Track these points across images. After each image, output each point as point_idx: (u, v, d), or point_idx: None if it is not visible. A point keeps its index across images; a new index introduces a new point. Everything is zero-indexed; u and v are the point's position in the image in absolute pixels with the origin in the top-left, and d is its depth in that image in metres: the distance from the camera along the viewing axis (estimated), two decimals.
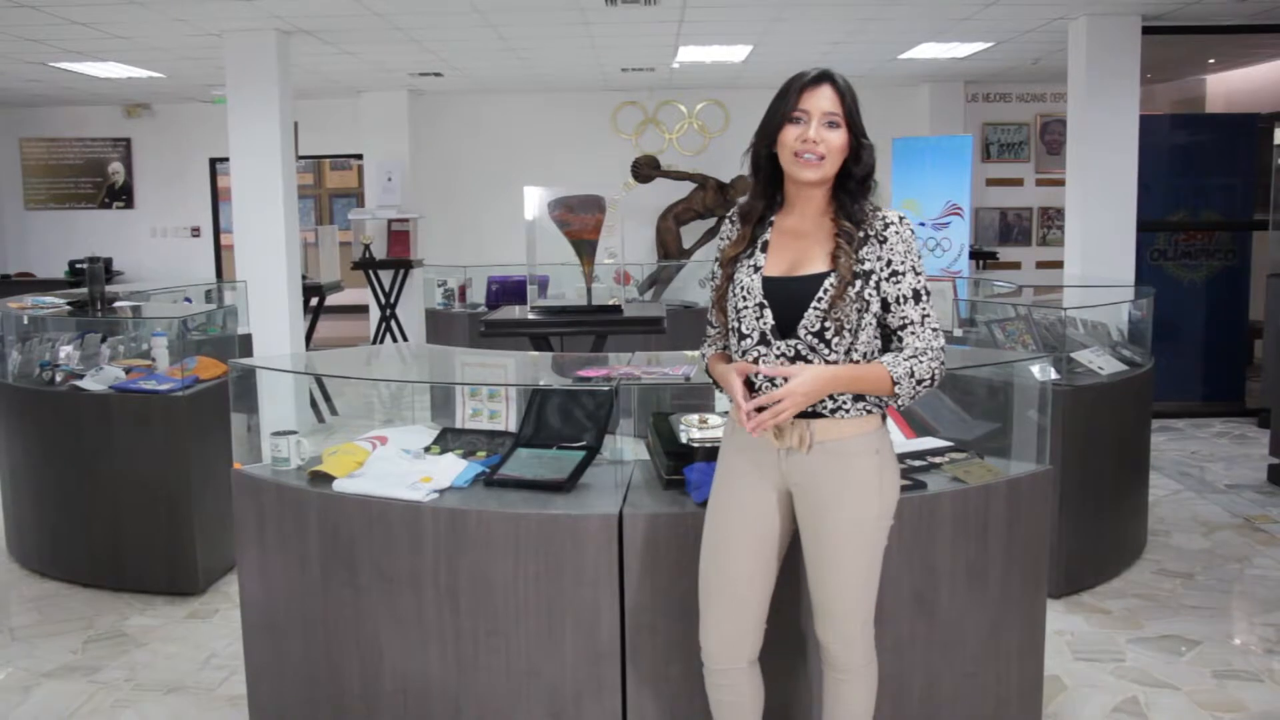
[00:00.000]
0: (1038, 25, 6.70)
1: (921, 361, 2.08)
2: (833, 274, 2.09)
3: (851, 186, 2.14)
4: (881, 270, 2.10)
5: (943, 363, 2.11)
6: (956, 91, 9.76)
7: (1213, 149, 7.66)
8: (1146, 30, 6.32)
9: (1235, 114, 8.67)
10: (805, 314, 2.09)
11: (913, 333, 2.11)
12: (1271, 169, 7.23)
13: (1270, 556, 4.44)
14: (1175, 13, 6.17)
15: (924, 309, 2.11)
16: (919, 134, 9.41)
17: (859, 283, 2.08)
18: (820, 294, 2.08)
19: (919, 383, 2.08)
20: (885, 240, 2.11)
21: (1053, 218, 9.95)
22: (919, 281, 2.11)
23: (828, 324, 2.08)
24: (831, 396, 2.10)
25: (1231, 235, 7.50)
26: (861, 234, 2.10)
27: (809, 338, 2.09)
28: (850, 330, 2.08)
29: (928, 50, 7.72)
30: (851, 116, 2.10)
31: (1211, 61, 8.69)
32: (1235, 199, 7.56)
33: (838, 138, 2.09)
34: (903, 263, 2.10)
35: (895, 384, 2.07)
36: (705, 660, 2.29)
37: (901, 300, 2.10)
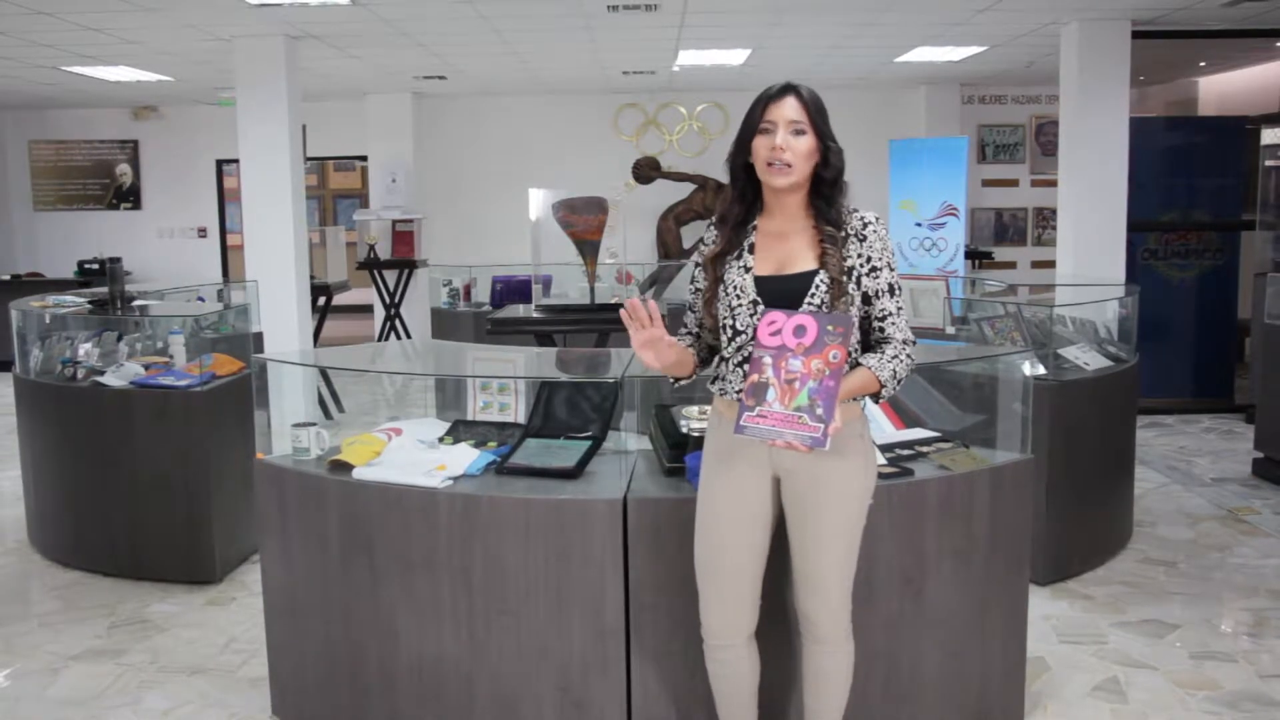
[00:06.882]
0: (1030, 30, 6.84)
1: (901, 360, 2.26)
2: (821, 270, 2.24)
3: (824, 190, 2.29)
4: (862, 266, 2.26)
5: (911, 355, 2.29)
6: (952, 94, 9.88)
7: (1203, 150, 7.78)
8: (1136, 35, 6.45)
9: (1224, 116, 8.80)
10: (798, 310, 2.23)
11: (892, 323, 2.29)
12: (1259, 170, 7.39)
13: (1251, 546, 4.59)
14: (1164, 17, 6.30)
15: (898, 301, 2.30)
16: (916, 135, 9.53)
17: (844, 278, 2.23)
18: (812, 290, 2.23)
19: (899, 380, 2.27)
20: (865, 239, 2.27)
21: (1047, 218, 10.09)
22: (893, 276, 2.30)
23: None
24: None
25: (1221, 235, 7.61)
26: (843, 234, 2.26)
27: None
28: None
29: (923, 54, 7.85)
30: (817, 123, 2.25)
31: (1203, 64, 8.82)
32: (1225, 200, 7.67)
33: (804, 144, 2.24)
34: (880, 259, 2.27)
35: (882, 386, 2.25)
36: (706, 637, 2.44)
37: (880, 294, 2.28)
